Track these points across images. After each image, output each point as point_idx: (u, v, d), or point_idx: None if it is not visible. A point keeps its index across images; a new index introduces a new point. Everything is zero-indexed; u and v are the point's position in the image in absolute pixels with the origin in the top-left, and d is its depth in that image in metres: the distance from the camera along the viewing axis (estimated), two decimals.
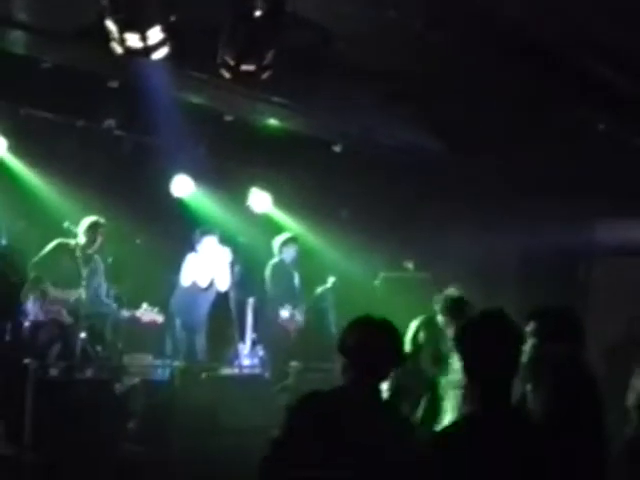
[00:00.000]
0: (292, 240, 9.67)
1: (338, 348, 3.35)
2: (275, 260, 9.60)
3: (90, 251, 8.26)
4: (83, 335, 7.95)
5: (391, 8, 6.37)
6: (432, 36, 6.69)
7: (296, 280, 9.63)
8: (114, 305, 8.48)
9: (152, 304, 8.44)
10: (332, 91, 8.19)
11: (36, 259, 8.04)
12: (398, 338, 3.40)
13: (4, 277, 7.53)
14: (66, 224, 8.22)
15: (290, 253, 9.59)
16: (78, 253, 8.13)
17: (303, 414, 3.22)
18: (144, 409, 7.47)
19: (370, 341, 3.32)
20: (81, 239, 8.21)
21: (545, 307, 4.39)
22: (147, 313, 8.32)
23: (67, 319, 7.99)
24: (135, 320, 8.34)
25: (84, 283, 8.06)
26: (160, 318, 8.34)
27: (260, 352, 9.02)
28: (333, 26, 7.20)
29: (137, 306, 8.40)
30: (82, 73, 8.15)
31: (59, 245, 8.14)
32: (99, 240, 8.25)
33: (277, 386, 8.36)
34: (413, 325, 5.62)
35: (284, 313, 9.32)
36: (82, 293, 8.03)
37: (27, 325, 7.83)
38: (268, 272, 9.43)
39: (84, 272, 8.10)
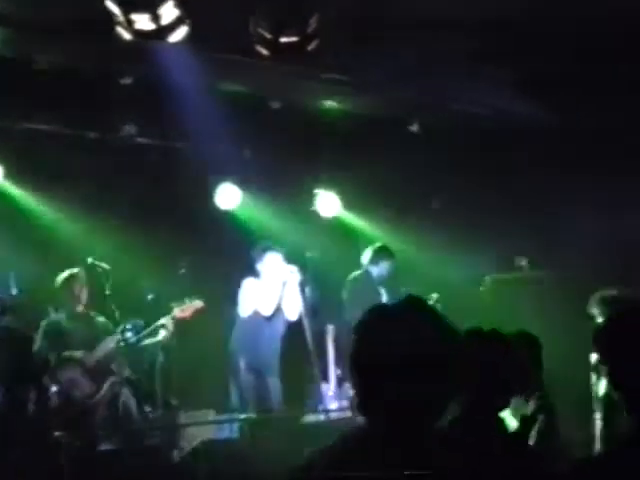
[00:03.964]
0: (388, 253, 9.38)
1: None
2: (357, 273, 9.34)
3: (80, 309, 8.36)
4: (126, 393, 8.05)
5: None
6: None
7: (383, 299, 9.28)
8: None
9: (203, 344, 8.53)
10: (399, 56, 7.98)
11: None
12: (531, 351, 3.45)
13: (16, 335, 7.50)
14: (90, 260, 8.25)
15: (383, 269, 9.33)
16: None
17: None
18: (210, 477, 7.30)
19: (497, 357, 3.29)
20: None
21: None
22: (183, 308, 8.37)
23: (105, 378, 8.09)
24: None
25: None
26: (200, 303, 8.41)
27: (349, 391, 8.83)
28: None
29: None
30: (86, 72, 8.07)
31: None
32: (80, 292, 8.29)
33: None
34: None
35: None
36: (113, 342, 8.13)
37: (55, 390, 7.84)
38: (347, 288, 9.22)
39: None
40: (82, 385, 7.95)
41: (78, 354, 8.05)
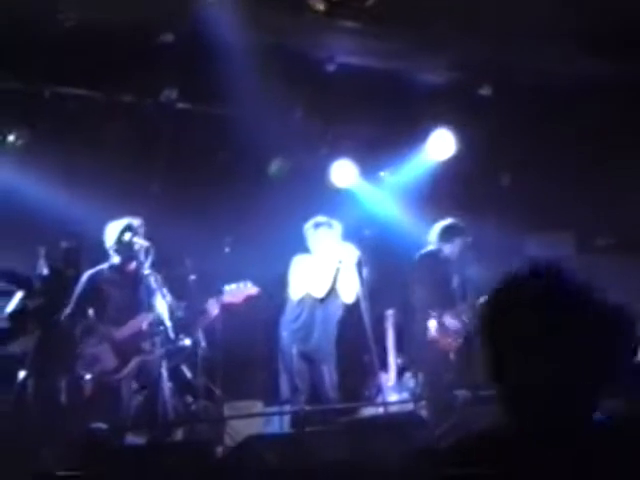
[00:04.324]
0: (461, 230, 9.00)
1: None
2: (428, 250, 8.97)
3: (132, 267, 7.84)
4: (163, 379, 7.55)
5: None
6: None
7: (455, 280, 9.00)
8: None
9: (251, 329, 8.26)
10: (470, 8, 7.65)
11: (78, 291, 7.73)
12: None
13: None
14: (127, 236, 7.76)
15: (456, 247, 8.97)
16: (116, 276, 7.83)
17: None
18: (258, 476, 6.78)
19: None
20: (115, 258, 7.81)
21: None
22: (233, 292, 7.89)
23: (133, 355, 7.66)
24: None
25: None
26: (254, 289, 7.95)
27: (410, 382, 8.75)
28: None
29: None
30: (121, 28, 7.73)
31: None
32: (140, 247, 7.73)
33: (440, 427, 7.67)
34: None
35: (436, 324, 8.70)
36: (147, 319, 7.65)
37: (89, 378, 7.46)
38: (417, 266, 8.91)
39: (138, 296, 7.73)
40: (105, 360, 7.55)
41: (103, 328, 7.61)
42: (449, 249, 8.88)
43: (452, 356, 8.76)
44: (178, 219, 8.49)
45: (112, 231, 7.75)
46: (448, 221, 8.94)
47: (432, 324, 8.66)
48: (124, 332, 7.66)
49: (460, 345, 8.75)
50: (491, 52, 8.72)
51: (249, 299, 8.02)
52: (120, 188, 8.52)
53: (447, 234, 8.88)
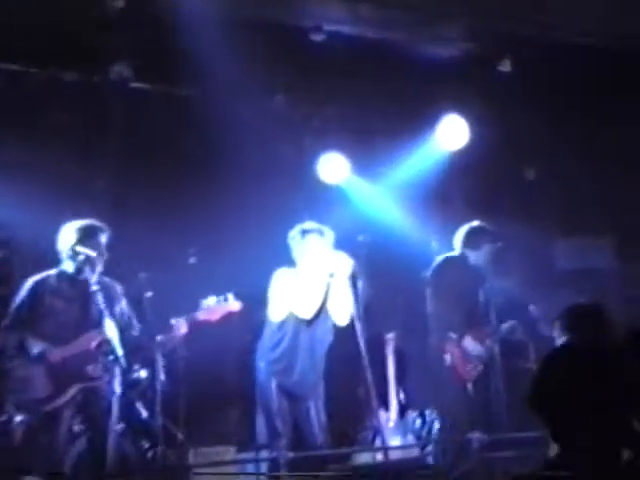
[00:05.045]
0: (491, 235, 8.56)
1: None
2: (447, 255, 8.56)
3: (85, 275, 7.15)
4: (118, 425, 7.05)
5: None
6: None
7: (481, 296, 8.47)
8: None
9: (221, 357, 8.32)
10: None
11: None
12: None
13: None
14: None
15: (483, 255, 8.54)
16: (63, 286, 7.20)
17: None
18: None
19: None
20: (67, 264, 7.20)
21: None
22: (212, 309, 7.33)
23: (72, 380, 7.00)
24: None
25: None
26: (237, 304, 7.43)
27: (415, 423, 8.53)
28: None
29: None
30: None
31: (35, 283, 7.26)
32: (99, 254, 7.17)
33: (452, 475, 7.53)
34: None
35: (456, 349, 8.25)
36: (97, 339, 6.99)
37: (19, 420, 6.82)
38: (435, 275, 8.49)
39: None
40: (36, 385, 6.95)
41: (39, 346, 6.98)
42: (475, 257, 8.44)
43: (470, 387, 8.31)
44: (131, 223, 8.31)
45: (69, 232, 7.16)
46: (475, 223, 8.56)
47: (451, 349, 8.21)
48: (64, 352, 6.96)
49: (480, 374, 8.29)
50: (513, 18, 8.36)
51: (228, 317, 7.52)
52: (61, 184, 8.24)
53: (474, 238, 8.50)
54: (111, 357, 6.90)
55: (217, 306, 7.36)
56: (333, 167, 9.86)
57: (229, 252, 9.00)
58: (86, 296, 7.13)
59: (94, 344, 7.00)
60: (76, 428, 7.18)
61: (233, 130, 8.97)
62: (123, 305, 7.33)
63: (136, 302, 7.73)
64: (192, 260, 8.72)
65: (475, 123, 9.57)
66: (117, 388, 6.85)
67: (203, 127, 9.04)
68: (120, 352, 6.87)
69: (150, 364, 7.79)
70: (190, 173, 9.18)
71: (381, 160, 9.90)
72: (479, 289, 8.58)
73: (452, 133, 9.66)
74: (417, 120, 9.63)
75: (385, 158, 9.88)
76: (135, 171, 8.94)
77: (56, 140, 8.53)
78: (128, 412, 7.68)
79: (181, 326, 7.28)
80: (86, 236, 7.11)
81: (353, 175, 9.93)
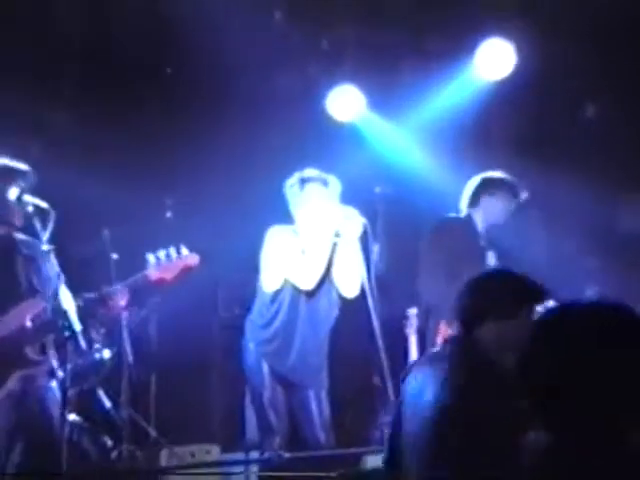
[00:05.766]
0: (500, 185, 7.90)
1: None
2: (448, 217, 7.99)
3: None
4: (73, 417, 6.77)
5: None
6: None
7: (491, 262, 7.94)
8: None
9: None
10: None
11: None
12: None
13: None
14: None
15: (492, 213, 7.91)
16: None
17: None
18: None
19: None
20: None
21: None
22: (163, 266, 6.57)
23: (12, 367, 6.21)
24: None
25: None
26: (193, 256, 6.75)
27: None
28: None
29: None
30: None
31: None
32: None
33: None
34: None
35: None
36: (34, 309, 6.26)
37: None
38: (428, 240, 8.10)
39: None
40: None
41: None
42: (482, 216, 7.86)
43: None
44: (93, 167, 7.78)
45: None
46: (488, 174, 7.96)
47: (442, 328, 7.68)
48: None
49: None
50: None
51: (185, 272, 6.70)
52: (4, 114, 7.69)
53: (480, 191, 7.85)
54: (67, 333, 6.01)
55: (169, 262, 6.53)
56: (345, 102, 9.24)
57: (213, 205, 8.64)
58: (7, 253, 6.41)
59: (30, 316, 6.23)
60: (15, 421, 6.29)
61: (222, 55, 8.45)
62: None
63: (98, 266, 7.19)
64: (168, 214, 8.28)
65: (523, 47, 8.72)
66: (70, 375, 6.15)
67: (187, 52, 8.52)
68: (78, 327, 6.03)
69: (115, 343, 7.30)
70: (170, 107, 8.80)
71: (405, 93, 9.05)
72: (487, 253, 8.05)
73: (494, 59, 8.84)
74: (452, 43, 8.87)
75: (410, 91, 9.03)
76: (101, 102, 8.42)
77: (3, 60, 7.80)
78: (87, 402, 7.37)
79: (119, 295, 6.47)
80: (16, 178, 6.43)
81: (370, 111, 9.18)
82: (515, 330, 4.14)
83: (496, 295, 4.33)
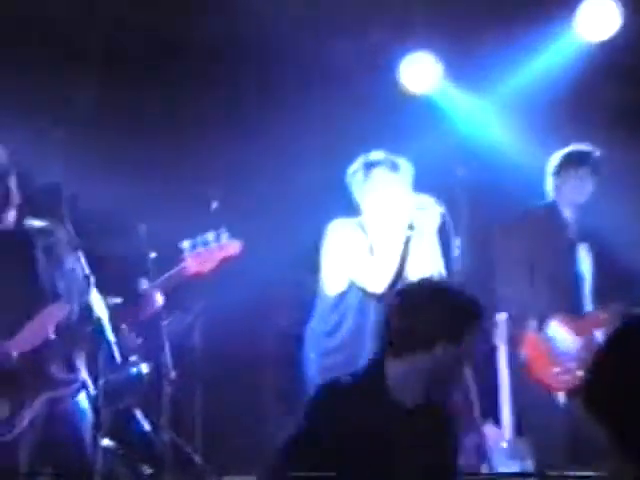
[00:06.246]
0: (582, 158, 7.23)
1: None
2: (530, 207, 7.51)
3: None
4: (106, 442, 6.39)
5: None
6: None
7: (580, 264, 7.50)
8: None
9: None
10: None
11: None
12: None
13: None
14: None
15: (576, 193, 7.25)
16: None
17: None
18: None
19: None
20: None
21: None
22: (202, 254, 6.32)
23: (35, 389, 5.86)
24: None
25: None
26: (235, 243, 6.49)
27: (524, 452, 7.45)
28: None
29: None
30: None
31: None
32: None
33: None
34: None
35: (535, 339, 7.21)
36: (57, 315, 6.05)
37: None
38: (501, 235, 7.71)
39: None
40: None
41: None
42: (567, 200, 7.30)
43: (562, 400, 7.24)
44: (125, 155, 7.72)
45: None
46: (571, 147, 7.45)
47: (528, 339, 7.15)
48: (19, 344, 5.78)
49: (578, 382, 7.09)
50: None
51: (225, 261, 6.48)
52: (27, 95, 7.47)
53: (562, 169, 7.32)
54: (99, 344, 5.60)
55: (207, 251, 6.22)
56: (419, 71, 8.67)
57: (264, 196, 8.40)
58: (16, 245, 6.05)
59: (52, 326, 5.83)
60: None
61: (269, 20, 8.03)
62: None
63: (134, 264, 6.77)
64: (214, 205, 7.52)
65: (629, 5, 7.97)
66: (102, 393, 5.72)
67: (229, 16, 8.06)
68: (112, 338, 5.61)
69: (153, 354, 6.91)
70: (211, 82, 8.33)
71: (489, 62, 8.41)
72: (576, 254, 7.44)
73: (596, 19, 8.16)
74: (545, 2, 8.09)
75: (494, 58, 8.37)
76: (131, 85, 8.08)
77: (19, 39, 7.71)
78: (123, 424, 7.07)
79: (152, 295, 6.13)
80: None
81: (448, 82, 8.60)
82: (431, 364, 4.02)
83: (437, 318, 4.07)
